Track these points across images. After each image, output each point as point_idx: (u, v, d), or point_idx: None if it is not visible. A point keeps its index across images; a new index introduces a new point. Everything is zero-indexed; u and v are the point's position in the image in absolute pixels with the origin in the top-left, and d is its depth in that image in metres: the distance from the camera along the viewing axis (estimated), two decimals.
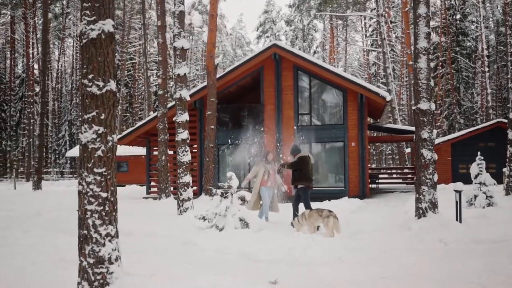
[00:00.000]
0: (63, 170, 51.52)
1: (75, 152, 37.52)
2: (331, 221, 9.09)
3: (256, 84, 20.03)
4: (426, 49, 10.34)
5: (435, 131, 10.50)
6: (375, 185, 24.67)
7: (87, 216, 5.04)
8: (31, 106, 40.15)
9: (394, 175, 31.79)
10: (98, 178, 5.04)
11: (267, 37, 61.13)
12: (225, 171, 19.72)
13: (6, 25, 53.56)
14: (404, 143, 33.85)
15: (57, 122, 55.29)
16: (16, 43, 51.12)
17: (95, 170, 5.03)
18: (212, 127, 17.47)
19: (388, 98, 17.59)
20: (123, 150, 31.91)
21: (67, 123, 52.65)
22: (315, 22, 58.60)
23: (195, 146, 20.26)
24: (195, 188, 19.59)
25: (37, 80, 43.59)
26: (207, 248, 8.31)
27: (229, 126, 19.43)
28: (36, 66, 45.52)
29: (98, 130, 5.04)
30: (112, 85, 5.13)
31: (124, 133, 21.40)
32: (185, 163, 12.85)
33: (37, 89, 42.11)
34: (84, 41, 5.05)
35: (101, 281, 5.00)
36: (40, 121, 28.09)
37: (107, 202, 5.09)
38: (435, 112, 10.51)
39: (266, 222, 10.75)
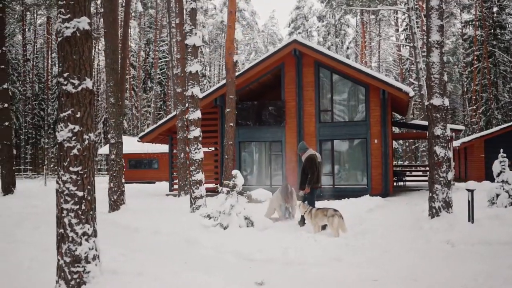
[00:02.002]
0: (100, 167, 52.58)
1: (106, 149, 38.19)
2: (335, 220, 8.88)
3: (277, 81, 19.80)
4: (439, 42, 9.96)
5: (448, 128, 10.11)
6: (402, 183, 24.08)
7: (63, 215, 5.05)
8: None
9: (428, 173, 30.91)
10: (74, 176, 5.03)
11: (299, 33, 60.41)
12: (247, 169, 19.73)
13: (43, 25, 55.04)
14: None
15: (94, 120, 56.25)
16: (53, 42, 52.42)
17: (71, 168, 5.03)
18: (231, 124, 17.35)
19: (411, 93, 17.04)
20: (154, 148, 32.30)
21: (102, 121, 53.66)
22: (347, 17, 57.61)
23: (218, 143, 20.24)
24: (217, 185, 19.59)
25: None
26: (207, 246, 8.28)
27: (250, 123, 19.25)
28: None
29: (74, 128, 5.03)
30: (88, 83, 5.10)
31: (146, 131, 21.61)
32: (197, 160, 12.80)
33: None
34: (59, 39, 5.04)
35: (78, 280, 5.00)
36: None
37: (84, 201, 5.08)
38: (448, 107, 10.09)
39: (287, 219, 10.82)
